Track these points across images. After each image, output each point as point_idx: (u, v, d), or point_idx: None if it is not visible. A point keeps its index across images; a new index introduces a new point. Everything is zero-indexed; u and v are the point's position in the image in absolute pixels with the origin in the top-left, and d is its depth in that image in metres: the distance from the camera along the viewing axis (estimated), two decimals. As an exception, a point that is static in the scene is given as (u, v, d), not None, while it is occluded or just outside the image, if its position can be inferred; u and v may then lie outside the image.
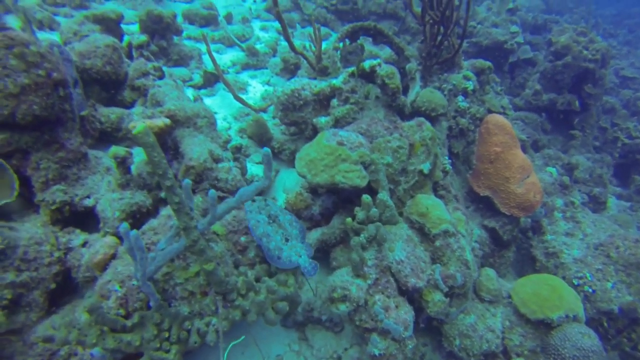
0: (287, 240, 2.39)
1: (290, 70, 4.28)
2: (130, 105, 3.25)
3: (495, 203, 3.98)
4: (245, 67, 4.53)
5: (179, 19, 5.52)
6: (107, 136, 3.01)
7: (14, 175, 2.29)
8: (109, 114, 2.94)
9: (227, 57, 4.67)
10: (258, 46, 4.83)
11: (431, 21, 4.31)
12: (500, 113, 4.80)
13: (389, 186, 2.88)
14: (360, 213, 2.51)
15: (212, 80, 3.98)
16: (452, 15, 4.21)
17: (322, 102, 3.34)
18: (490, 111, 4.69)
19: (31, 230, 2.31)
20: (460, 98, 4.26)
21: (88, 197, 2.48)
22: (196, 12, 5.08)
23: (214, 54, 4.76)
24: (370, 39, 4.19)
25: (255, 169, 3.29)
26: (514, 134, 4.05)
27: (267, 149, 1.92)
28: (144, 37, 3.20)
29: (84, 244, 2.43)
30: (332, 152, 2.73)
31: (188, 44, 4.60)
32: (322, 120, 3.23)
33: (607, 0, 19.45)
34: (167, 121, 2.49)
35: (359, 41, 4.15)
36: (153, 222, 2.13)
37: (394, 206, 2.61)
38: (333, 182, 2.67)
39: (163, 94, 2.94)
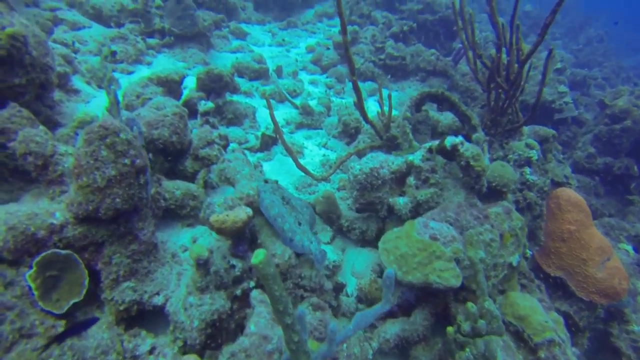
0: (299, 224, 2.39)
1: (349, 133, 4.10)
2: (192, 176, 3.05)
3: (569, 286, 3.66)
4: (300, 126, 4.35)
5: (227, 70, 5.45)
6: (170, 213, 2.79)
7: (85, 272, 2.04)
8: (174, 189, 2.73)
9: (280, 115, 4.52)
10: (310, 102, 4.69)
11: (499, 89, 4.15)
12: (563, 183, 4.56)
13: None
14: (465, 324, 2.21)
15: (269, 143, 3.80)
16: (521, 84, 4.06)
17: (398, 179, 3.12)
18: (553, 181, 4.45)
19: (97, 335, 2.04)
20: (527, 170, 4.04)
21: (157, 293, 2.22)
22: (247, 65, 4.99)
23: (265, 110, 4.63)
24: (435, 105, 4.03)
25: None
26: (588, 212, 3.78)
27: (390, 271, 1.67)
28: (211, 104, 3.04)
29: (152, 351, 2.14)
30: (425, 247, 2.48)
31: (240, 100, 4.47)
32: (400, 201, 2.99)
33: (624, 52, 19.68)
34: (249, 211, 2.25)
35: (423, 108, 3.99)
36: (244, 343, 1.85)
37: (500, 316, 2.31)
38: (427, 281, 2.42)
39: (234, 171, 2.74)
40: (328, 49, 6.31)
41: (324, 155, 3.94)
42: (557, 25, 14.77)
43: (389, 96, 3.48)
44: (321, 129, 4.37)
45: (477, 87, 5.62)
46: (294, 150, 3.78)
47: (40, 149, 2.16)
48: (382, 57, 5.76)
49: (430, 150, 3.17)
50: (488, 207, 3.03)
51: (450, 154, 3.14)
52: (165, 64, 5.01)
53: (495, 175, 3.49)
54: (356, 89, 3.06)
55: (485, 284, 2.45)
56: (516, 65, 4.05)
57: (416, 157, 3.12)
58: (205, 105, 3.03)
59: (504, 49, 4.15)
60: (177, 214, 2.78)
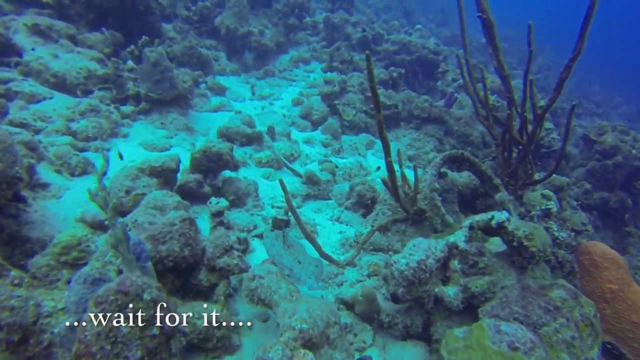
0: (299, 262, 2.69)
1: (365, 204, 3.72)
2: (207, 290, 2.52)
3: (624, 353, 3.41)
4: (306, 198, 3.92)
5: (212, 135, 4.98)
6: (193, 348, 2.23)
7: None
8: (195, 319, 2.19)
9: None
10: (310, 166, 4.29)
11: (516, 144, 4.01)
12: (582, 231, 4.44)
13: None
14: None
15: (282, 227, 3.34)
16: (536, 135, 3.95)
17: (442, 265, 2.77)
18: (574, 231, 4.32)
19: None
20: (554, 226, 3.86)
21: None
22: (237, 130, 4.52)
23: (264, 182, 4.17)
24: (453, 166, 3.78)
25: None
26: (626, 266, 3.61)
27: None
28: (225, 202, 2.56)
29: None
30: (508, 363, 2.10)
31: (231, 174, 3.95)
32: (449, 292, 2.63)
33: (589, 79, 21.05)
34: (310, 356, 1.78)
35: (442, 170, 3.72)
36: None
37: None
38: (518, 407, 2.02)
39: (269, 291, 2.26)
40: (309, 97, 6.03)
41: (340, 232, 3.52)
42: (508, 54, 15.65)
43: (415, 167, 3.17)
44: (330, 199, 3.97)
45: (472, 131, 5.53)
46: (309, 230, 3.33)
47: (17, 319, 1.58)
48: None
49: (471, 227, 2.87)
50: (547, 290, 2.73)
51: (495, 232, 2.85)
52: (143, 133, 4.45)
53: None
54: (390, 172, 2.72)
55: (585, 403, 2.10)
56: (531, 118, 3.96)
57: (459, 239, 2.80)
58: (217, 204, 2.54)
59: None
60: (200, 347, 2.23)
